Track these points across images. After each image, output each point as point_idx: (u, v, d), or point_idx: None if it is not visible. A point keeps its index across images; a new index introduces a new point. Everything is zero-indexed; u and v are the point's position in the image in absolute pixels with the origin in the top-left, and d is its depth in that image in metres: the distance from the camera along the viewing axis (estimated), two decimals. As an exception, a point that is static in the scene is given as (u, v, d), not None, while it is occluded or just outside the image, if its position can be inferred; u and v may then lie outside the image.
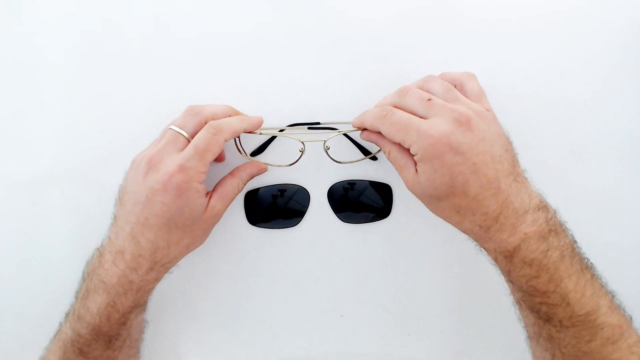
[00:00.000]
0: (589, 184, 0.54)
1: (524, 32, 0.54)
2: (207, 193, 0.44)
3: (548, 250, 0.38)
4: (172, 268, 0.46)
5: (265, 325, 0.56)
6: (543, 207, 0.39)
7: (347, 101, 0.53)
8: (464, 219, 0.40)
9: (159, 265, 0.43)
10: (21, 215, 0.54)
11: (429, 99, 0.41)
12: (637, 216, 0.54)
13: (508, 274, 0.41)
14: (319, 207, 0.54)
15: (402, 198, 0.54)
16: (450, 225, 0.43)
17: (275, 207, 0.54)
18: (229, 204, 0.46)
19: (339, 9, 0.54)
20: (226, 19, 0.54)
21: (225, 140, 0.43)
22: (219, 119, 0.44)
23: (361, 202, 0.53)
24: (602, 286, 0.40)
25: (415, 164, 0.41)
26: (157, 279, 0.44)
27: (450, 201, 0.39)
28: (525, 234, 0.38)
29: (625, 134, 0.54)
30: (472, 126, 0.38)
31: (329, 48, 0.54)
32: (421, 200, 0.43)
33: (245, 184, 0.48)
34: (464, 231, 0.42)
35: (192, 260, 0.52)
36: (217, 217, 0.45)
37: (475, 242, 0.42)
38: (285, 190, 0.53)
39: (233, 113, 0.48)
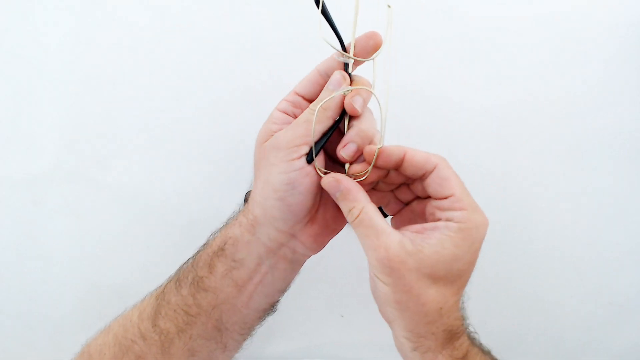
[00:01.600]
0: (589, 184, 0.54)
1: (524, 32, 0.54)
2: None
3: (485, 351, 0.38)
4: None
5: (265, 325, 0.56)
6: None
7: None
8: (437, 319, 0.33)
9: (247, 209, 0.37)
10: (21, 215, 0.54)
11: None
12: (637, 216, 0.54)
13: None
14: (319, 207, 0.54)
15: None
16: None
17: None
18: (296, 128, 0.34)
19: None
20: (227, 19, 0.54)
21: (319, 69, 0.37)
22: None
23: None
24: None
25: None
26: (240, 225, 0.36)
27: (444, 291, 0.32)
28: (469, 336, 0.37)
29: (625, 134, 0.54)
30: None
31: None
32: (397, 278, 0.31)
33: (320, 102, 0.34)
34: (421, 336, 0.33)
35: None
36: (274, 139, 0.35)
37: (421, 354, 0.34)
38: (285, 190, 0.53)
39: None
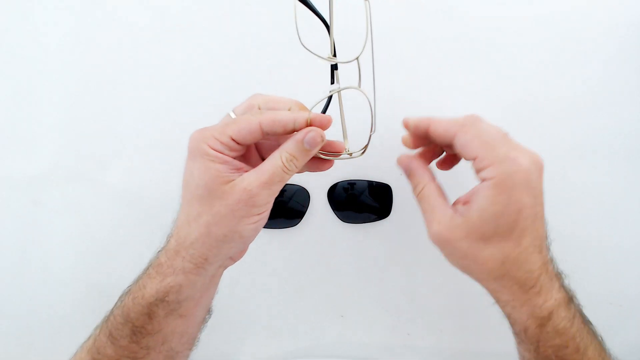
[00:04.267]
0: (589, 184, 0.54)
1: (524, 32, 0.54)
2: (239, 169, 0.36)
3: (574, 317, 0.36)
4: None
5: (265, 325, 0.56)
6: (561, 272, 0.37)
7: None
8: (504, 274, 0.34)
9: (183, 250, 0.36)
10: (21, 215, 0.54)
11: (505, 133, 0.36)
12: (637, 216, 0.54)
13: (536, 345, 0.36)
14: (319, 207, 0.54)
15: (402, 198, 0.54)
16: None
17: (275, 207, 0.53)
18: (272, 186, 0.35)
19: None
20: (227, 19, 0.54)
21: (263, 127, 0.34)
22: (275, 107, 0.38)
23: (361, 202, 0.53)
24: (603, 348, 0.38)
25: (449, 204, 0.36)
26: (184, 272, 0.36)
27: (501, 247, 0.34)
28: (556, 299, 0.35)
29: (625, 134, 0.54)
30: (542, 175, 0.35)
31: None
32: (451, 248, 0.35)
33: (295, 160, 0.35)
34: (496, 291, 0.36)
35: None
36: (248, 197, 0.34)
37: (502, 308, 0.37)
38: (285, 190, 0.53)
39: (290, 103, 0.38)
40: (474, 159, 0.34)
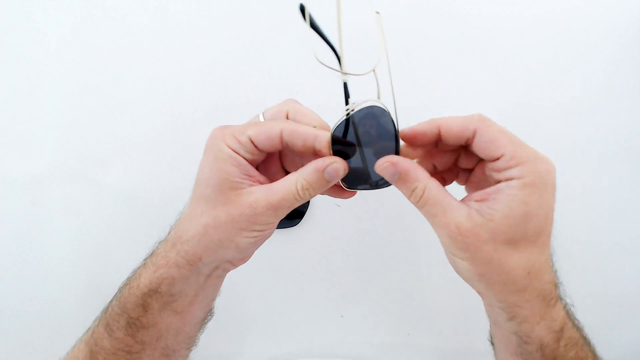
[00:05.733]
0: (589, 183, 0.54)
1: (524, 32, 0.54)
2: (251, 176, 0.34)
3: (580, 327, 0.34)
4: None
5: (265, 325, 0.56)
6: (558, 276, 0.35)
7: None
8: (528, 286, 0.31)
9: (179, 244, 0.35)
10: (21, 215, 0.54)
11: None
12: (637, 216, 0.54)
13: None
14: (319, 207, 0.54)
15: (402, 196, 0.54)
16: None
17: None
18: (279, 210, 0.33)
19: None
20: (227, 19, 0.54)
21: (283, 135, 0.33)
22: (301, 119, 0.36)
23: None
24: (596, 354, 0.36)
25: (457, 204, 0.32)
26: (177, 266, 0.35)
27: (528, 254, 0.30)
28: (564, 307, 0.33)
29: (625, 134, 0.54)
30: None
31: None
32: (474, 252, 0.30)
33: (310, 190, 0.33)
34: (516, 306, 0.31)
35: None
36: (252, 214, 0.32)
37: (517, 326, 0.32)
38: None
39: (319, 124, 0.35)
40: (498, 157, 0.31)
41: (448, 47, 0.54)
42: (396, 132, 0.33)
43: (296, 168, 0.35)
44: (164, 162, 0.54)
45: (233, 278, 0.54)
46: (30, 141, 0.54)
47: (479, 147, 0.32)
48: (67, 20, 0.54)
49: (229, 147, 0.33)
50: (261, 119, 0.36)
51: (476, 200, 0.31)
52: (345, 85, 0.33)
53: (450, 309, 0.55)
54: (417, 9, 0.54)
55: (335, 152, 0.33)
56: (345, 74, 0.33)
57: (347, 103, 0.34)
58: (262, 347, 0.56)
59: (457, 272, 0.34)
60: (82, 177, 0.54)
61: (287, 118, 0.35)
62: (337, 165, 0.32)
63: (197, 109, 0.54)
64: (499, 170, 0.31)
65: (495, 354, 0.38)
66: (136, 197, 0.55)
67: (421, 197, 0.31)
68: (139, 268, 0.37)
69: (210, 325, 0.56)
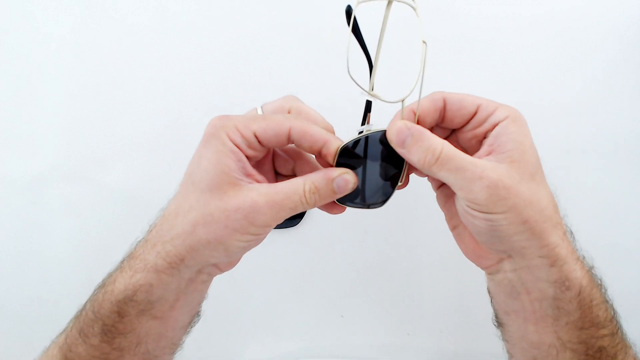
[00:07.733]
0: (589, 183, 0.54)
1: (524, 32, 0.54)
2: (250, 175, 0.32)
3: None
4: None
5: (265, 325, 0.56)
6: None
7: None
8: (560, 220, 0.31)
9: (160, 244, 0.32)
10: (21, 215, 0.54)
11: None
12: (637, 216, 0.54)
13: (589, 306, 0.32)
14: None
15: (402, 197, 0.54)
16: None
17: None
18: (281, 211, 0.31)
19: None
20: (227, 19, 0.54)
21: (292, 133, 0.31)
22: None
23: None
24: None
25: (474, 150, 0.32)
26: (156, 270, 0.32)
27: (544, 185, 0.31)
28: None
29: (625, 134, 0.54)
30: None
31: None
32: (514, 198, 0.29)
33: (316, 196, 0.31)
34: (556, 245, 0.30)
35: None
36: (251, 210, 0.30)
37: (559, 273, 0.31)
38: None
39: (323, 126, 0.34)
40: (476, 111, 0.32)
41: (448, 47, 0.54)
42: (404, 163, 0.33)
43: (287, 170, 0.34)
44: (164, 162, 0.54)
45: (233, 278, 0.55)
46: (30, 141, 0.54)
47: (452, 112, 0.33)
48: (67, 20, 0.54)
49: (232, 140, 0.31)
50: (259, 111, 0.35)
51: (484, 155, 0.31)
52: (368, 103, 0.33)
53: (450, 309, 0.55)
54: (417, 9, 0.54)
55: (338, 164, 0.32)
56: (374, 96, 0.31)
57: (364, 118, 0.33)
58: (262, 347, 0.55)
59: (488, 240, 0.32)
60: (82, 177, 0.54)
61: None
62: (348, 177, 0.31)
63: (197, 109, 0.54)
64: (481, 122, 0.32)
65: (508, 336, 0.37)
66: (136, 197, 0.55)
67: (439, 156, 0.30)
68: (115, 271, 0.35)
69: (210, 325, 0.56)
